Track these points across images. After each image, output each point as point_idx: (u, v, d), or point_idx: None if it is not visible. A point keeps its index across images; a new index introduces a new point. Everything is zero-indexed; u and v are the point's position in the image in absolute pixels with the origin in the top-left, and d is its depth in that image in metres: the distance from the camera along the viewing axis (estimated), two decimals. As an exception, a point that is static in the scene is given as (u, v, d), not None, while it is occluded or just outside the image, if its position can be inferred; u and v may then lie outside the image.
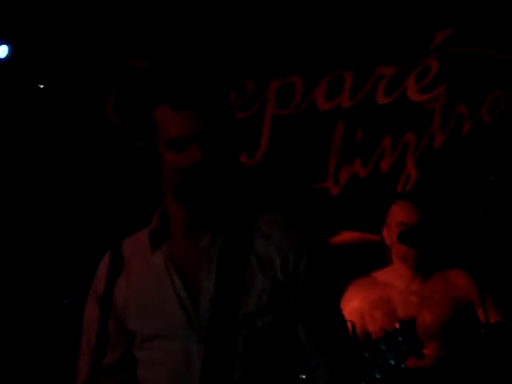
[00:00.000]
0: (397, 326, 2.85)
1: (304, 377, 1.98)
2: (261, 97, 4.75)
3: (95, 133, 4.87)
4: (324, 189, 4.66)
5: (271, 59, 4.70)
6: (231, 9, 4.70)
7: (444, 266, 3.86)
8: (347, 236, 4.39)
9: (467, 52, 4.60)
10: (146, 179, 1.89)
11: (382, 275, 3.85)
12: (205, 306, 1.89)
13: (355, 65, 4.71)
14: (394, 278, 3.80)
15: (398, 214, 3.74)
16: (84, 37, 4.84)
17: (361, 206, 4.54)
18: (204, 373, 1.85)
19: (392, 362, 2.71)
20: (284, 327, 1.92)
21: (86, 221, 4.78)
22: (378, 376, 2.70)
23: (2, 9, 4.64)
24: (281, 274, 1.91)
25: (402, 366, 2.78)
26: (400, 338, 2.79)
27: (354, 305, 3.75)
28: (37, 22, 4.77)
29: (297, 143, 4.65)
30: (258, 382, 1.88)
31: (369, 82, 4.72)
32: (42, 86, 4.65)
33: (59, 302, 4.57)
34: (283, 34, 4.62)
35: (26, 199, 4.74)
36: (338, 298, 2.14)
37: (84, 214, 4.79)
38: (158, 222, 1.99)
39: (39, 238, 4.74)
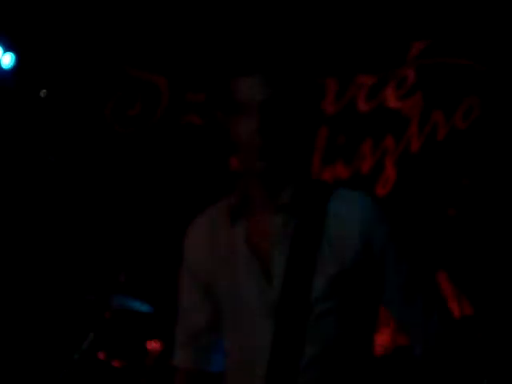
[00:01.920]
0: None
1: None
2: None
3: (95, 137, 5.14)
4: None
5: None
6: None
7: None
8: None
9: (443, 62, 4.83)
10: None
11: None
12: (277, 285, 1.88)
13: (338, 74, 4.97)
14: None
15: None
16: (85, 44, 5.09)
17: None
18: (274, 349, 1.86)
19: None
20: (355, 309, 1.91)
21: (86, 223, 4.98)
22: None
23: (7, 18, 4.82)
24: (352, 259, 1.88)
25: None
26: None
27: None
28: (40, 31, 4.98)
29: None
30: (328, 362, 1.88)
31: (350, 90, 4.99)
32: (43, 92, 4.80)
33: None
34: (269, 44, 4.85)
35: (28, 200, 4.92)
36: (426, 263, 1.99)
37: (84, 217, 4.99)
38: (238, 196, 1.95)
39: (40, 238, 4.93)
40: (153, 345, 4.33)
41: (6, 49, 4.82)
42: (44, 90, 4.87)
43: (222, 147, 5.02)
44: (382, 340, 3.93)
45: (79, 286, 4.71)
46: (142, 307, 4.29)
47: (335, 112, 4.99)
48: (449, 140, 4.79)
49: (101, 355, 4.30)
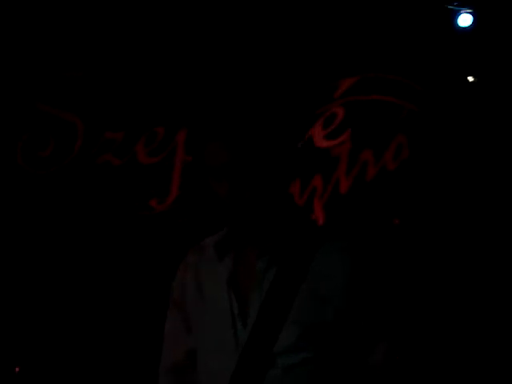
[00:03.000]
0: None
1: None
2: (171, 142, 4.82)
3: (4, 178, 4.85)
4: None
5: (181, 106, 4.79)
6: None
7: None
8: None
9: (372, 100, 4.77)
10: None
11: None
12: (250, 328, 1.89)
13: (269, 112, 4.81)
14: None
15: None
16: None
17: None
18: None
19: None
20: (332, 362, 1.89)
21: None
22: None
23: None
24: (332, 310, 1.87)
25: None
26: None
27: None
28: None
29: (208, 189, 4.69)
30: None
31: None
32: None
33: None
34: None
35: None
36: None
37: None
38: (227, 233, 1.99)
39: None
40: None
41: None
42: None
43: (141, 188, 4.83)
44: None
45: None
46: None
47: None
48: (378, 180, 4.72)
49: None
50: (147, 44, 4.79)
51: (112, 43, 4.82)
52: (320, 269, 1.89)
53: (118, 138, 4.92)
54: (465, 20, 4.59)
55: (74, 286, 4.67)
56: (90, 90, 4.87)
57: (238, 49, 4.73)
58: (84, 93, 4.87)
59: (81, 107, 4.88)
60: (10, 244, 4.76)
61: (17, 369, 4.41)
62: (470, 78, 4.62)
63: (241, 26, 4.69)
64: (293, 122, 1.95)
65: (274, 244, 1.92)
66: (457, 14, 4.62)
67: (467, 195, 4.62)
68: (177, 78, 4.80)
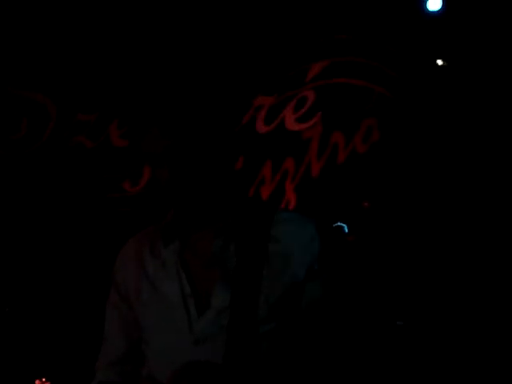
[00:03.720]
0: None
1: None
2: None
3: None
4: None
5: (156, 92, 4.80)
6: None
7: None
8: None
9: (342, 83, 4.79)
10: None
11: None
12: (210, 312, 1.88)
13: (236, 95, 4.84)
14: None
15: None
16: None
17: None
18: (194, 375, 1.84)
19: None
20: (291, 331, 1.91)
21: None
22: None
23: None
24: (292, 280, 1.88)
25: None
26: None
27: None
28: None
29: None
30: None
31: (249, 112, 4.86)
32: None
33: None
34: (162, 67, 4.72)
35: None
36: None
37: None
38: (172, 218, 1.95)
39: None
40: (41, 383, 4.27)
41: None
42: None
43: (114, 169, 4.85)
44: None
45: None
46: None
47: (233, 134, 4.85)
48: (349, 163, 4.75)
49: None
50: (114, 27, 4.80)
51: (83, 25, 4.82)
52: (276, 242, 1.89)
53: (91, 120, 4.93)
54: (434, 3, 4.61)
55: (44, 267, 4.69)
56: (62, 72, 4.88)
57: (193, 33, 4.74)
58: (56, 75, 4.88)
59: (53, 89, 4.89)
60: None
61: None
62: (440, 62, 4.64)
63: (202, 9, 4.70)
64: (231, 106, 1.94)
65: (228, 223, 1.90)
66: (426, -2, 4.65)
67: (436, 176, 4.66)
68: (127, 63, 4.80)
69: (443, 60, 4.65)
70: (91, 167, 4.90)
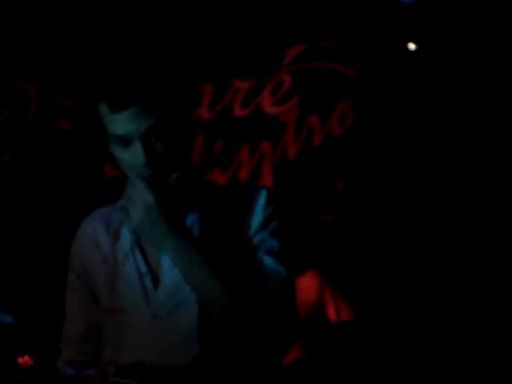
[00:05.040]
0: None
1: None
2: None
3: None
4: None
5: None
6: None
7: (296, 272, 4.00)
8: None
9: (317, 67, 4.87)
10: None
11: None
12: (163, 287, 1.91)
13: (213, 79, 4.92)
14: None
15: None
16: None
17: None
18: (157, 349, 1.89)
19: None
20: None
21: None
22: None
23: None
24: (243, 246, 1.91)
25: None
26: None
27: None
28: None
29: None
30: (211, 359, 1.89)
31: (226, 96, 4.94)
32: None
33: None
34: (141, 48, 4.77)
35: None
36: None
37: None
38: (126, 197, 1.92)
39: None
40: (24, 360, 4.17)
41: None
42: None
43: (95, 154, 4.89)
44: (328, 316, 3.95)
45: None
46: (4, 318, 4.14)
47: (211, 118, 4.93)
48: (324, 146, 4.82)
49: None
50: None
51: (64, 10, 4.87)
52: (235, 221, 1.93)
53: (72, 104, 4.98)
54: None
55: (26, 250, 4.74)
56: (42, 56, 4.92)
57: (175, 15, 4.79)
58: (36, 59, 4.92)
59: (33, 73, 4.93)
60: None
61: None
62: (412, 45, 4.71)
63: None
64: (181, 92, 1.93)
65: (187, 205, 1.93)
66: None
67: (412, 157, 4.72)
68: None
69: (415, 43, 4.71)
70: (72, 150, 4.95)
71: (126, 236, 1.97)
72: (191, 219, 1.94)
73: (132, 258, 1.95)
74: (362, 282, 4.54)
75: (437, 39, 4.71)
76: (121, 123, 1.83)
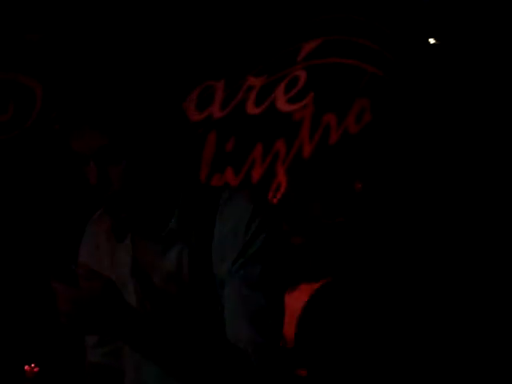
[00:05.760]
0: None
1: None
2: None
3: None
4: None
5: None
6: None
7: (311, 277, 3.90)
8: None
9: (334, 63, 4.74)
10: None
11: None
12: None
13: (226, 75, 4.78)
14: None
15: None
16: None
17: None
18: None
19: None
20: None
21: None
22: None
23: None
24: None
25: None
26: None
27: None
28: None
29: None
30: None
31: (239, 93, 4.80)
32: None
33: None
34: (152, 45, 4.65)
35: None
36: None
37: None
38: (122, 218, 1.86)
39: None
40: (30, 368, 4.20)
41: None
42: None
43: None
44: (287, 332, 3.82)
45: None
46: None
47: (223, 116, 4.80)
48: (341, 144, 4.71)
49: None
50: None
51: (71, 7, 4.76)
52: (223, 228, 1.82)
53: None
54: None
55: (28, 252, 4.64)
56: (48, 53, 4.81)
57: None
58: (42, 56, 4.81)
59: (39, 71, 4.82)
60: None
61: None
62: (432, 41, 4.61)
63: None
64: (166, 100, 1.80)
65: (175, 225, 1.84)
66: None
67: (428, 158, 4.64)
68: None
69: (436, 39, 4.61)
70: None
71: (126, 250, 1.93)
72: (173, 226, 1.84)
73: (127, 272, 1.91)
74: (376, 284, 4.44)
75: (458, 35, 4.60)
76: (74, 139, 1.74)
